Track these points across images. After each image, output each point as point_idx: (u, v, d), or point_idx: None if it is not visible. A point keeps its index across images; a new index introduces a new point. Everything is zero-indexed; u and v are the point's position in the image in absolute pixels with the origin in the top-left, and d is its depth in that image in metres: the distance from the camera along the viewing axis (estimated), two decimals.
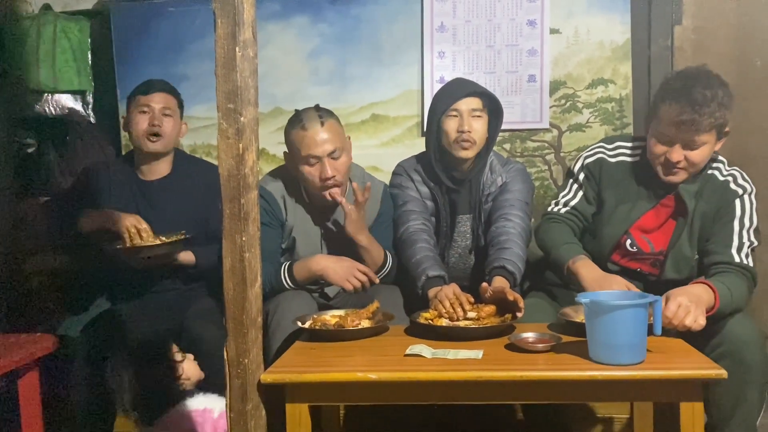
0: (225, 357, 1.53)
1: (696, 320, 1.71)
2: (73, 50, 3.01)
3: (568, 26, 2.88)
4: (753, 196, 2.01)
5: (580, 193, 2.17)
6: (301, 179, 2.23)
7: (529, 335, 1.73)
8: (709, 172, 2.04)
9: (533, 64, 2.90)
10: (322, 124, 2.15)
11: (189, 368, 2.00)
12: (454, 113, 2.24)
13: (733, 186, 2.02)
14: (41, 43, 2.97)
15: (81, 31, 3.04)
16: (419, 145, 2.74)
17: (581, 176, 2.18)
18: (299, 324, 1.91)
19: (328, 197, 2.18)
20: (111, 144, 3.08)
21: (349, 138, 2.30)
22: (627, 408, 2.24)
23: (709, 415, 1.85)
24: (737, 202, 2.00)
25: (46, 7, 3.07)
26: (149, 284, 2.44)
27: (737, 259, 1.93)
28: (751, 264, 1.95)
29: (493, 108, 2.30)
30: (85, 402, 2.17)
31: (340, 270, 2.15)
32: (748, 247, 1.96)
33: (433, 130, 2.29)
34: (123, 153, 3.04)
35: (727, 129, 1.99)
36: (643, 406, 2.04)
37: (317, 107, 2.23)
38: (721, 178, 2.03)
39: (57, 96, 3.03)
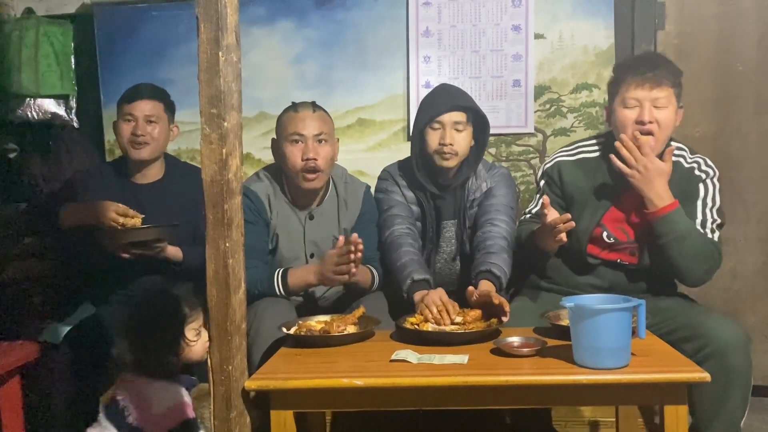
0: (209, 364, 1.52)
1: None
2: (56, 54, 2.98)
3: (553, 31, 2.90)
4: (716, 179, 2.11)
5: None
6: (283, 162, 2.25)
7: (515, 339, 1.73)
8: (674, 159, 2.11)
9: (518, 69, 2.91)
10: (314, 110, 2.24)
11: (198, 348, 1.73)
12: (437, 125, 2.25)
13: (697, 172, 2.11)
14: (23, 47, 2.94)
15: (64, 35, 3.02)
16: (405, 150, 2.74)
17: (542, 183, 2.28)
18: (284, 330, 1.89)
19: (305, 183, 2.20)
20: (95, 149, 3.06)
21: (338, 140, 2.33)
22: (612, 411, 2.24)
23: (694, 417, 1.87)
24: (701, 185, 2.10)
25: (29, 11, 3.05)
26: (134, 287, 2.41)
27: (701, 232, 2.03)
28: (716, 239, 2.04)
29: (478, 120, 2.30)
30: (68, 409, 2.14)
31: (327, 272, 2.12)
32: (712, 223, 2.05)
33: (416, 139, 2.30)
34: (107, 157, 3.03)
35: (681, 105, 2.10)
36: (627, 410, 2.05)
37: (313, 102, 2.29)
38: (687, 165, 2.13)
39: (40, 100, 3.00)
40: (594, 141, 2.25)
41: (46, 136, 3.02)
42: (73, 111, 3.06)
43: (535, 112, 2.92)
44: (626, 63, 2.15)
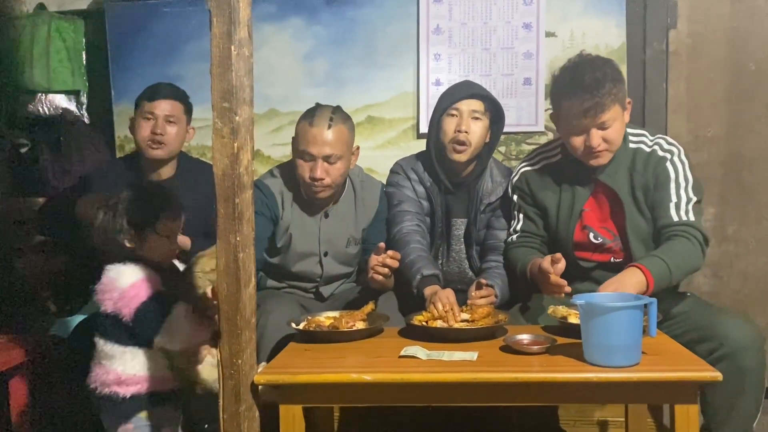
0: (218, 357, 1.52)
1: None
2: (68, 50, 3.00)
3: (564, 29, 2.88)
4: (683, 156, 2.06)
5: (521, 215, 2.23)
6: (295, 169, 2.25)
7: (524, 337, 1.73)
8: (634, 146, 2.09)
9: (529, 67, 2.90)
10: (330, 126, 2.17)
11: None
12: (455, 112, 2.24)
13: (660, 152, 2.07)
14: (35, 42, 2.96)
15: (75, 31, 3.03)
16: (415, 148, 2.73)
17: (515, 198, 2.25)
18: (293, 325, 1.90)
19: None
20: (105, 144, 3.07)
21: (358, 148, 2.31)
22: (622, 410, 2.23)
23: (706, 417, 1.86)
24: (668, 165, 2.04)
25: (41, 7, 3.06)
26: None
27: (676, 218, 1.98)
28: (692, 219, 1.97)
29: (494, 113, 2.30)
30: (73, 404, 2.14)
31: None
32: (687, 204, 2.00)
33: (433, 129, 2.30)
34: (117, 153, 3.04)
35: (628, 100, 2.06)
36: (637, 409, 2.04)
37: (336, 108, 2.24)
38: (648, 149, 2.08)
39: (51, 96, 3.02)
40: (553, 145, 2.22)
41: (56, 132, 3.03)
42: (84, 107, 3.08)
43: (545, 110, 2.91)
44: (562, 84, 2.03)
